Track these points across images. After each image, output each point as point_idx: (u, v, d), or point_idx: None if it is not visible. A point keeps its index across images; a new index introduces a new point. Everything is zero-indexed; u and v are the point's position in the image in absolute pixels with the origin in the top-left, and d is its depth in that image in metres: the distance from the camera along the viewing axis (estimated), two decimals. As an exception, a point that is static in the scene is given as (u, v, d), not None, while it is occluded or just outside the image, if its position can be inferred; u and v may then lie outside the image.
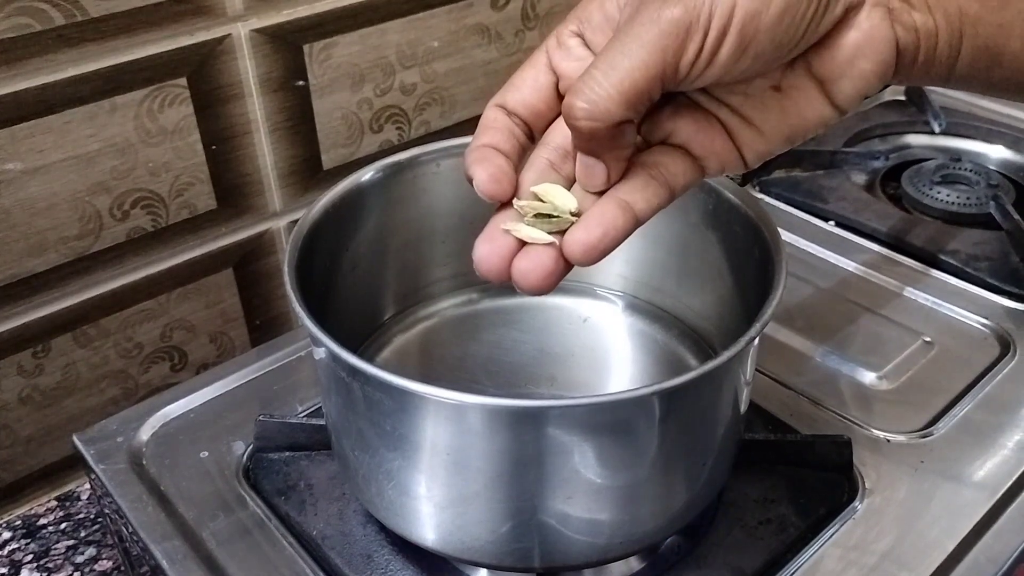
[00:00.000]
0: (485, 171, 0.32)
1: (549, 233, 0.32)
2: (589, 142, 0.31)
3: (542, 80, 0.34)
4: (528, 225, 0.32)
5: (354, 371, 0.37)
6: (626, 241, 0.54)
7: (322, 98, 0.64)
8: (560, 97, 0.34)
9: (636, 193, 0.32)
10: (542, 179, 0.33)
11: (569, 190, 0.33)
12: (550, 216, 0.32)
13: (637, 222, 0.32)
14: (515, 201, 0.33)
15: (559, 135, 0.34)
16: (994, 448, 0.52)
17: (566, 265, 0.32)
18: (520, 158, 0.34)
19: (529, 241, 0.32)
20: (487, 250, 0.32)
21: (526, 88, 0.34)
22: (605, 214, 0.32)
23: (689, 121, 0.34)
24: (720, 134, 0.34)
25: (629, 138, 0.32)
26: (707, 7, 0.29)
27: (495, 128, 0.34)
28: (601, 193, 0.33)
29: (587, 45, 0.34)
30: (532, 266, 0.32)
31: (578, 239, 0.31)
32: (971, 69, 0.33)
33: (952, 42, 0.33)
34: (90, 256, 0.58)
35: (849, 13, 0.31)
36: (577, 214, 0.32)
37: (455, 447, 0.38)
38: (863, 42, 0.32)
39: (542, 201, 0.33)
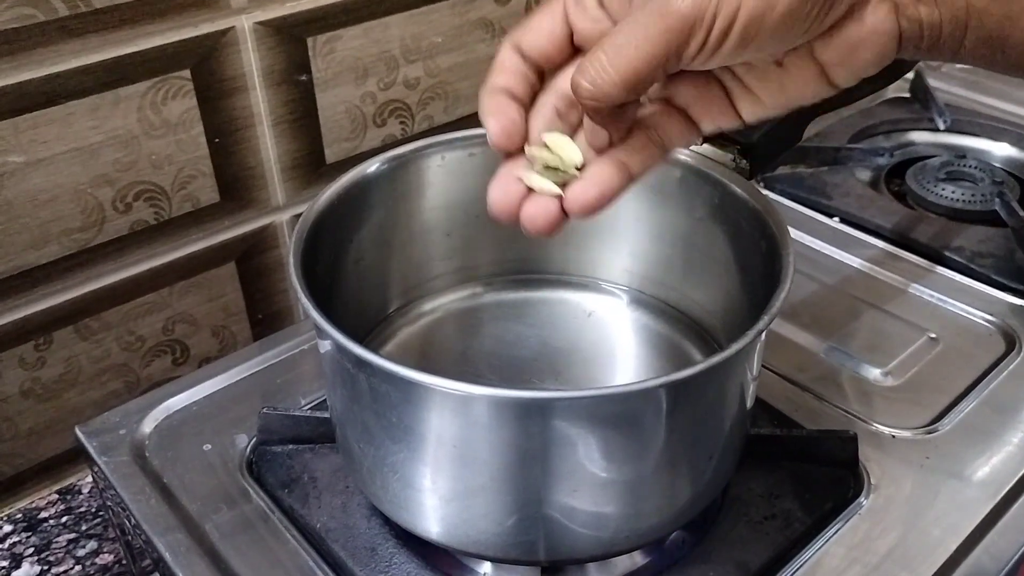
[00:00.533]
0: (498, 123, 0.35)
1: (555, 184, 0.35)
2: (594, 116, 0.33)
3: (558, 31, 0.35)
4: (538, 175, 0.35)
5: (360, 362, 0.37)
6: (631, 235, 0.54)
7: (325, 92, 0.64)
8: (573, 48, 0.36)
9: (634, 155, 0.35)
10: (549, 127, 0.35)
11: (574, 137, 0.36)
12: (556, 169, 0.35)
13: (632, 180, 0.35)
14: (527, 148, 0.35)
15: (566, 81, 0.35)
16: (999, 445, 0.52)
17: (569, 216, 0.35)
18: (531, 100, 0.36)
19: (537, 190, 0.35)
20: (500, 194, 0.35)
21: (543, 35, 0.36)
22: (603, 174, 0.34)
23: (691, 87, 0.35)
24: (720, 99, 0.35)
25: (631, 113, 0.34)
26: (713, 4, 0.30)
27: (510, 71, 0.35)
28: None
29: (603, 6, 0.35)
30: (539, 211, 0.35)
31: (577, 197, 0.34)
32: (974, 55, 0.34)
33: (956, 33, 0.33)
34: (92, 248, 0.58)
35: (854, 8, 0.32)
36: (581, 168, 0.35)
37: (461, 439, 0.38)
38: (866, 35, 0.32)
39: (551, 152, 0.35)
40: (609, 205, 0.34)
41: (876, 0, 0.32)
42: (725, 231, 0.49)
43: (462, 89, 0.71)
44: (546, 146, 0.35)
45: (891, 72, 0.57)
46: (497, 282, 0.57)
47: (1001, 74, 0.36)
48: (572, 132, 0.36)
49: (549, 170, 0.35)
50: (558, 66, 0.36)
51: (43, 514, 0.57)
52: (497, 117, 0.35)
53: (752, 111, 0.35)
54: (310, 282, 0.40)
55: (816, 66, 0.33)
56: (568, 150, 0.35)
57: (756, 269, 0.45)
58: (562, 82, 0.36)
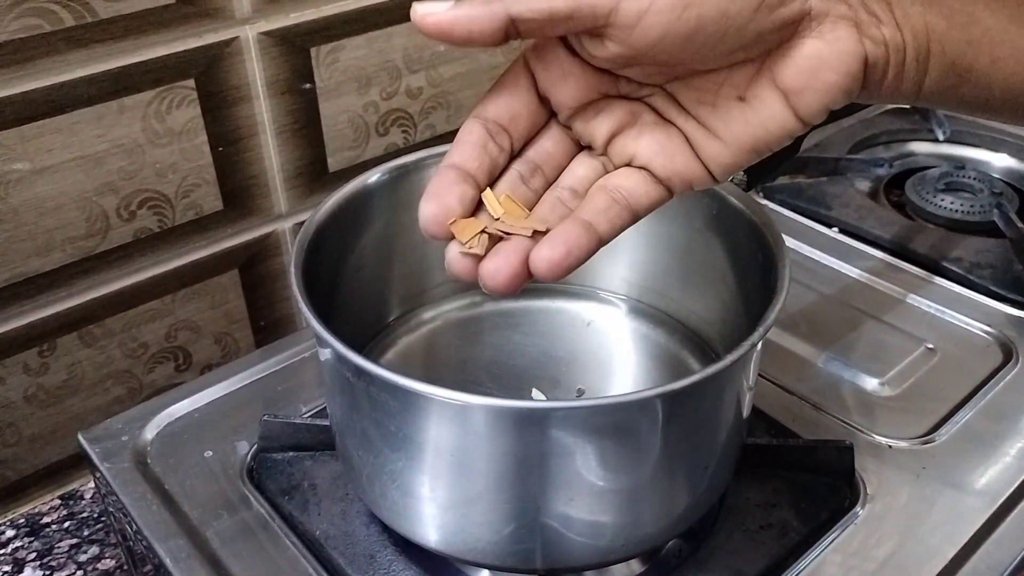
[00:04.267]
0: (433, 209, 0.33)
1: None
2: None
3: (522, 91, 0.35)
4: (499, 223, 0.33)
5: (359, 371, 0.37)
6: (630, 245, 0.55)
7: (329, 101, 0.64)
8: (539, 106, 0.35)
9: (599, 215, 0.33)
10: (510, 190, 0.34)
11: (536, 203, 0.35)
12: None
13: (600, 242, 0.33)
14: (485, 194, 0.34)
15: (536, 152, 0.35)
16: (995, 455, 0.52)
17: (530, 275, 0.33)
18: (492, 171, 0.34)
19: (508, 229, 0.33)
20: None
21: (504, 100, 0.35)
22: (569, 233, 0.32)
23: (651, 142, 0.34)
24: (681, 151, 0.34)
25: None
26: None
27: (469, 144, 0.34)
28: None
29: (573, 53, 0.34)
30: (502, 266, 0.32)
31: (543, 256, 0.32)
32: (939, 86, 0.34)
33: (920, 57, 0.33)
34: (96, 256, 0.58)
35: (812, 22, 0.32)
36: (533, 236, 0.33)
37: (459, 448, 0.38)
38: (828, 53, 0.32)
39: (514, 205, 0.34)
40: (576, 266, 0.33)
41: (835, 17, 0.32)
42: (723, 242, 0.49)
43: (464, 99, 0.71)
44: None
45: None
46: (497, 292, 0.57)
47: (968, 114, 0.36)
48: (536, 199, 0.35)
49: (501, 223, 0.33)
50: (529, 127, 0.35)
51: (45, 519, 0.57)
52: (434, 203, 0.33)
53: (719, 160, 0.34)
54: (311, 291, 0.41)
55: (780, 96, 0.33)
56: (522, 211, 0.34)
57: (753, 280, 0.46)
58: (530, 153, 0.35)
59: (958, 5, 0.33)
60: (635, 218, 0.35)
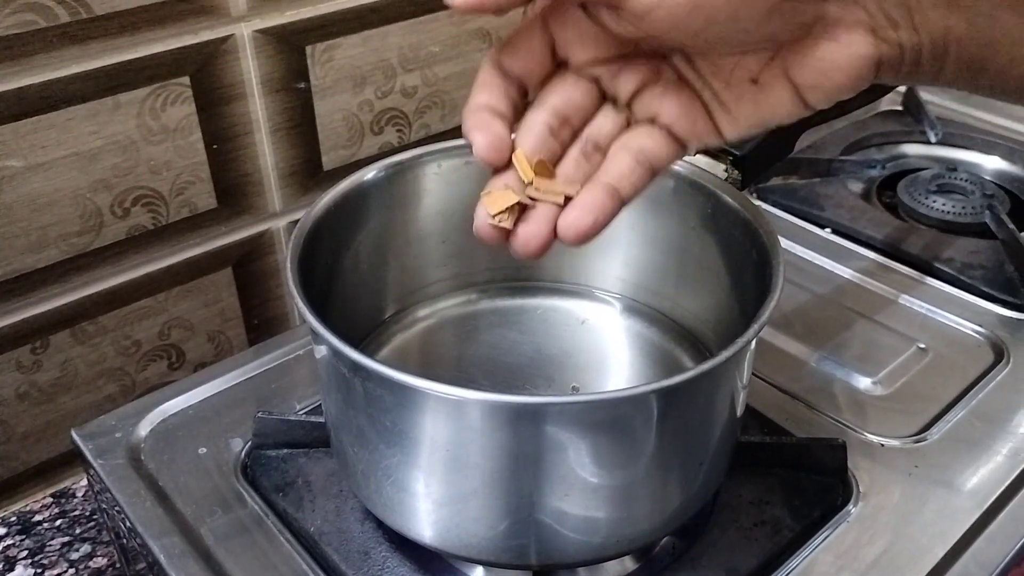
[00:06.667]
0: (484, 138, 0.34)
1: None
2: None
3: (537, 46, 0.35)
4: (533, 188, 0.34)
5: (355, 367, 0.37)
6: (625, 244, 0.55)
7: (323, 99, 0.64)
8: (555, 61, 0.36)
9: (624, 179, 0.35)
10: (541, 145, 0.35)
11: (563, 156, 0.36)
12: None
13: (623, 204, 0.35)
14: (517, 158, 0.34)
15: (556, 98, 0.35)
16: (986, 455, 0.53)
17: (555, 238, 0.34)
18: (514, 117, 0.35)
19: (539, 197, 0.34)
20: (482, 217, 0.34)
21: (522, 51, 0.35)
22: (596, 200, 0.34)
23: (675, 104, 0.35)
24: (702, 116, 0.35)
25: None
26: None
27: (492, 89, 0.35)
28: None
29: (588, 13, 0.35)
30: (533, 234, 0.34)
31: (571, 223, 0.33)
32: (955, 78, 0.34)
33: (936, 56, 0.33)
34: (90, 253, 0.58)
35: (828, 27, 0.32)
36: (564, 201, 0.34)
37: (454, 443, 0.38)
38: (840, 58, 0.33)
39: (546, 169, 0.35)
40: (602, 232, 0.34)
41: (852, 21, 0.32)
42: (717, 241, 0.50)
43: (459, 98, 0.71)
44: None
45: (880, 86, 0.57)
46: (492, 289, 0.57)
47: (981, 95, 0.37)
48: (563, 150, 0.36)
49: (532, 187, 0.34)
50: (541, 81, 0.36)
51: (37, 517, 0.57)
52: (483, 132, 0.34)
53: (731, 129, 0.35)
54: (307, 287, 0.41)
55: (791, 87, 0.34)
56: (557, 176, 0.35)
57: (747, 278, 0.46)
58: (552, 99, 0.35)
59: (982, 7, 0.33)
60: (654, 176, 0.36)
